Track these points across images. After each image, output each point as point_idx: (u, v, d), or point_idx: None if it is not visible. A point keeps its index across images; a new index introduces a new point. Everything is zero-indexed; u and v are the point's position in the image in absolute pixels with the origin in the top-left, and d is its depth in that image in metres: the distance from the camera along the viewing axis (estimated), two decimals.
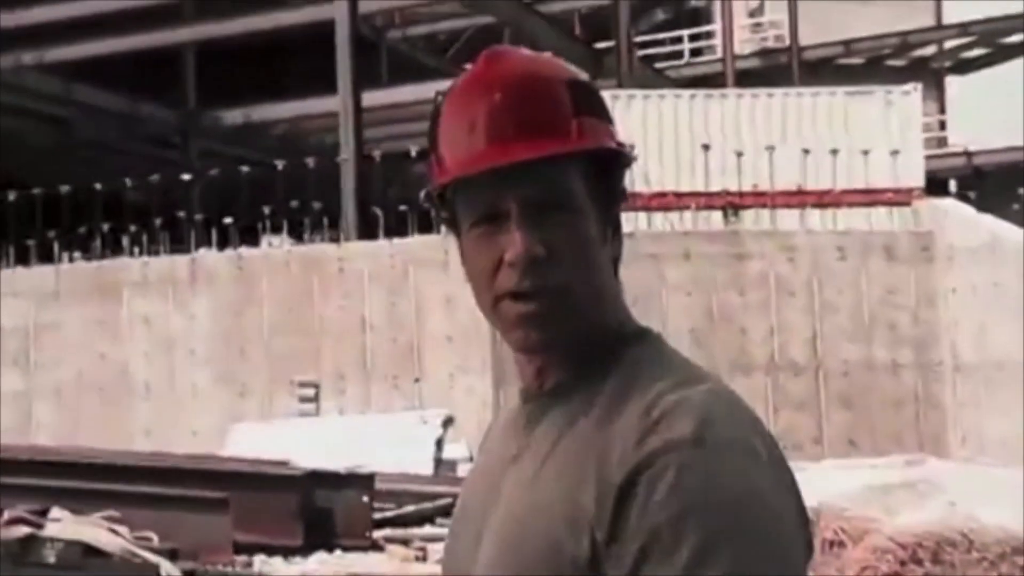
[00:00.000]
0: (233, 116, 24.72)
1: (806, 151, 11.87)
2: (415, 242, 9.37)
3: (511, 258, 1.04)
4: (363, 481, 6.60)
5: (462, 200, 1.09)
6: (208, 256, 10.06)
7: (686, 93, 13.60)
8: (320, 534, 6.47)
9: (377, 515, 6.79)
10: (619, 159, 1.11)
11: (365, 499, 6.51)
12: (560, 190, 1.06)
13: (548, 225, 1.05)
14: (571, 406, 1.07)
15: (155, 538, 5.33)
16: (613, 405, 1.05)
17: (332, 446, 8.86)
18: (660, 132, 12.69)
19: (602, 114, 1.11)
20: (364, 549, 6.43)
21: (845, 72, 22.99)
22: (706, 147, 12.00)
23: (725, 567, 0.95)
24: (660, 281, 8.83)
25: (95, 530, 5.13)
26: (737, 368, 8.58)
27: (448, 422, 8.46)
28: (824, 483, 4.63)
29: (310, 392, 9.32)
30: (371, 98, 23.24)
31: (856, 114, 12.48)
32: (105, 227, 12.07)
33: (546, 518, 1.02)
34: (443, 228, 1.21)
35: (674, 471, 0.97)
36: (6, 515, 5.52)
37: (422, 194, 1.13)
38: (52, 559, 5.00)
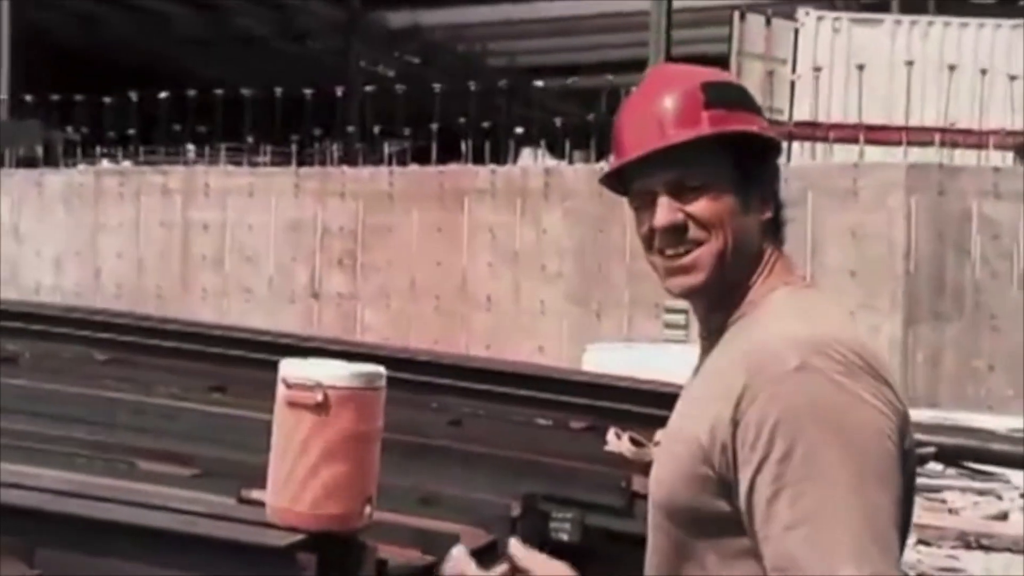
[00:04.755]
0: (400, 18, 24.16)
1: None
2: (814, 167, 8.99)
3: (655, 225, 1.30)
4: None
5: (629, 180, 1.36)
6: (565, 169, 9.70)
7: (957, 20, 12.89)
8: None
9: None
10: (759, 142, 1.32)
11: None
12: (695, 170, 1.30)
13: (687, 198, 1.29)
14: (721, 343, 1.31)
15: None
16: (737, 342, 1.26)
17: None
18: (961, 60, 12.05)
19: (738, 106, 1.32)
20: None
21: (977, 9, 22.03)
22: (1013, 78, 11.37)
23: (827, 466, 1.13)
24: None
25: None
26: None
27: None
28: None
29: (680, 319, 9.01)
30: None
31: None
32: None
33: (688, 433, 1.24)
34: None
35: (768, 395, 1.16)
36: (614, 433, 5.30)
37: (599, 178, 1.42)
38: None
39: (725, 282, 1.31)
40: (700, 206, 1.29)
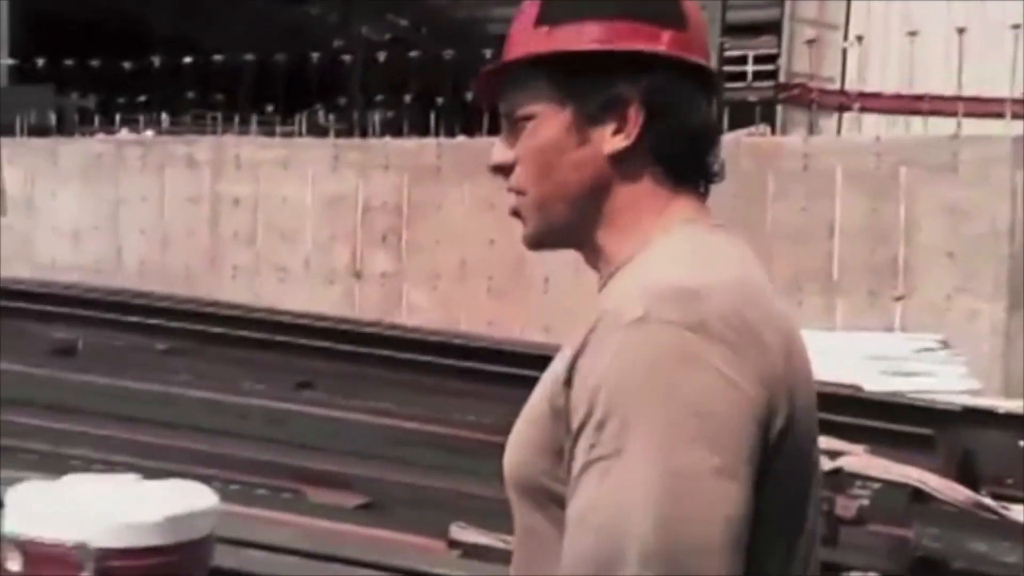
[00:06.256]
0: None
1: None
2: (910, 139, 8.42)
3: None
4: (1018, 421, 5.79)
5: None
6: None
7: None
8: (963, 479, 5.68)
9: None
10: (595, 57, 1.09)
11: (1022, 443, 5.70)
12: (517, 100, 1.14)
13: (517, 133, 1.14)
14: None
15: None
16: (604, 295, 1.10)
17: None
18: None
19: (569, 18, 1.11)
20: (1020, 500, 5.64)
21: None
22: None
23: (642, 437, 0.94)
24: None
25: (917, 471, 4.30)
26: None
27: (943, 347, 7.60)
28: None
29: None
30: None
31: None
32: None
33: (534, 400, 1.10)
34: None
35: (597, 350, 1.00)
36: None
37: None
38: (866, 501, 4.19)
39: (564, 233, 1.15)
40: (520, 144, 1.14)
